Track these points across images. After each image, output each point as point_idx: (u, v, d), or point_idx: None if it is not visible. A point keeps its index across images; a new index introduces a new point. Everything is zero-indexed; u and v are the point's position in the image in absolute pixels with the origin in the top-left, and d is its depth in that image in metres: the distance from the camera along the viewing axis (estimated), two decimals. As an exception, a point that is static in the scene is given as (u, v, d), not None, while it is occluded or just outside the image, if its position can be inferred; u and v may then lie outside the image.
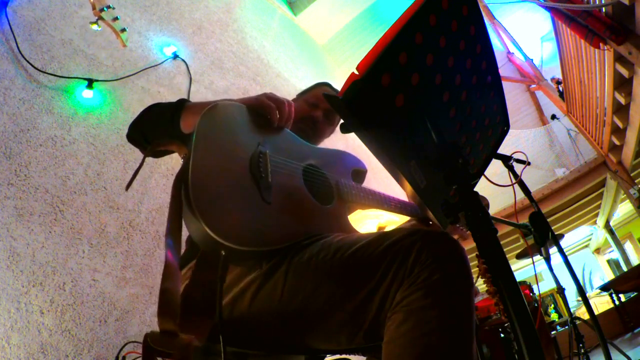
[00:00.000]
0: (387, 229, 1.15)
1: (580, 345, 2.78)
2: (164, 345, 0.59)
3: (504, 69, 8.87)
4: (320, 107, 1.20)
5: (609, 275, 9.27)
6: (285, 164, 0.90)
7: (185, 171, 0.71)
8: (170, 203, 0.72)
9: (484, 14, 2.09)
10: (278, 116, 0.93)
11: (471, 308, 0.63)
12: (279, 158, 0.89)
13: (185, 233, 0.75)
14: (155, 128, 0.96)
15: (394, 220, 1.26)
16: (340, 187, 1.01)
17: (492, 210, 4.53)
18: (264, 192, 0.78)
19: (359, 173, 1.18)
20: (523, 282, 3.00)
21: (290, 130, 1.05)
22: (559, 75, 6.83)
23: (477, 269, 2.07)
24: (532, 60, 8.58)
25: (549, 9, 3.71)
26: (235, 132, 0.84)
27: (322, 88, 1.29)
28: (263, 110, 0.92)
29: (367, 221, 1.21)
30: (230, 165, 0.78)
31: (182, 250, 0.83)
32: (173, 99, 1.06)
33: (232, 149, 0.81)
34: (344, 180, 1.05)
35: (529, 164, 1.62)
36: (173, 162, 2.19)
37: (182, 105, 0.94)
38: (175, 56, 2.63)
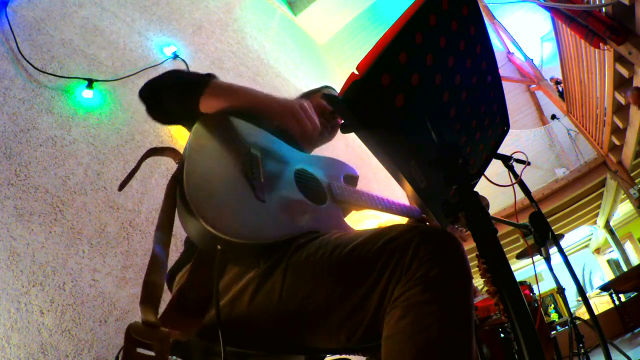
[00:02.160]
0: (387, 228, 1.15)
1: (580, 345, 2.78)
2: (144, 336, 0.62)
3: (504, 69, 8.88)
4: None
5: (609, 275, 9.27)
6: (276, 167, 0.92)
7: (180, 173, 0.73)
8: (163, 201, 0.74)
9: (484, 14, 2.09)
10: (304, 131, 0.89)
11: (470, 303, 0.63)
12: (271, 162, 0.91)
13: (183, 234, 0.76)
14: (173, 94, 0.89)
15: (394, 220, 1.26)
16: (333, 189, 1.02)
17: (492, 210, 4.53)
18: (257, 192, 0.80)
19: (351, 178, 1.19)
20: (523, 282, 2.99)
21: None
22: (558, 76, 6.83)
23: (477, 269, 2.07)
24: (532, 60, 8.58)
25: (549, 9, 3.71)
26: (227, 138, 0.87)
27: (329, 90, 1.31)
28: (292, 119, 0.88)
29: (366, 221, 1.21)
30: (224, 168, 0.80)
31: (172, 252, 0.84)
32: (173, 99, 1.04)
33: (225, 153, 0.83)
34: (336, 182, 1.07)
35: (529, 164, 1.61)
36: (172, 163, 2.19)
37: (207, 81, 0.88)
38: (175, 56, 2.63)
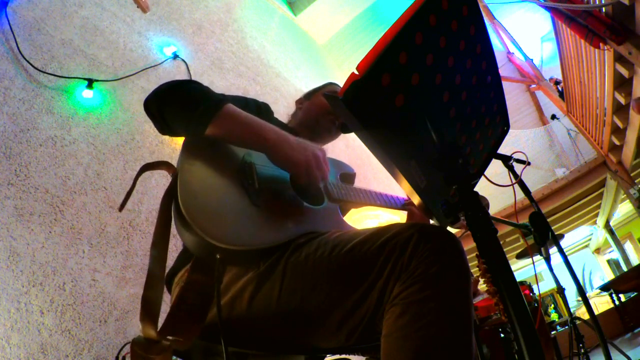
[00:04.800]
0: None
1: (580, 345, 2.78)
2: (146, 351, 0.67)
3: (504, 69, 8.88)
4: None
5: (609, 275, 9.27)
6: (271, 171, 0.91)
7: (175, 187, 0.73)
8: (158, 216, 0.75)
9: (484, 14, 2.09)
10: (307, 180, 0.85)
11: (469, 300, 0.63)
12: (265, 167, 0.91)
13: (179, 240, 0.76)
14: (177, 122, 0.83)
15: (394, 220, 1.26)
16: (329, 188, 1.02)
17: (492, 210, 4.52)
18: (252, 197, 0.80)
19: (348, 176, 1.18)
20: (523, 282, 2.99)
21: (315, 126, 1.07)
22: (558, 76, 6.83)
23: (477, 268, 2.07)
24: (532, 60, 8.58)
25: (549, 9, 3.71)
26: (220, 146, 0.87)
27: (333, 87, 1.30)
28: (301, 170, 0.82)
29: (366, 221, 1.21)
30: (218, 177, 0.80)
31: (172, 251, 0.84)
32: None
33: (219, 162, 0.83)
34: (332, 181, 1.07)
35: (529, 164, 1.61)
36: (173, 161, 2.19)
37: (219, 107, 0.80)
38: (175, 56, 2.63)
